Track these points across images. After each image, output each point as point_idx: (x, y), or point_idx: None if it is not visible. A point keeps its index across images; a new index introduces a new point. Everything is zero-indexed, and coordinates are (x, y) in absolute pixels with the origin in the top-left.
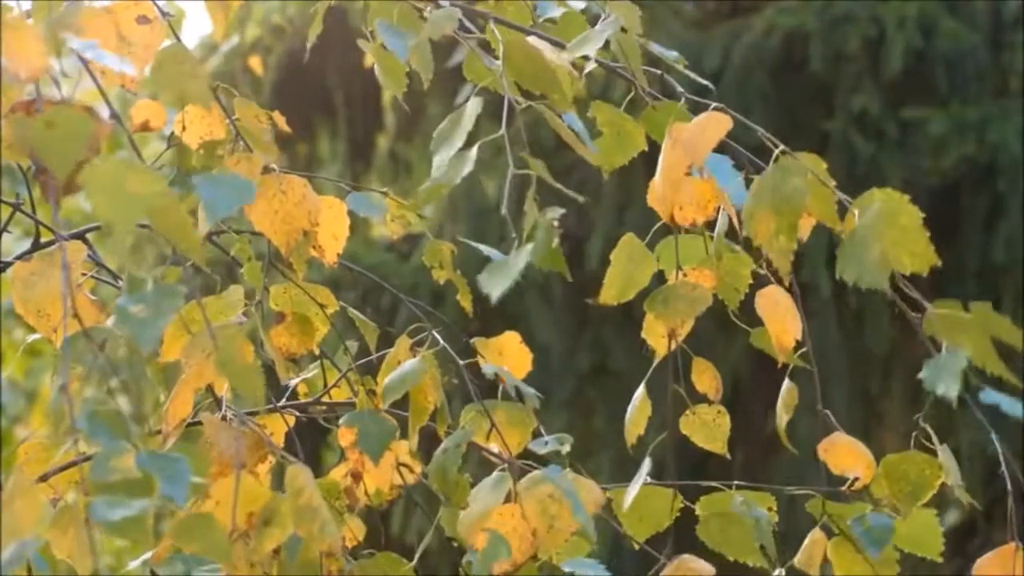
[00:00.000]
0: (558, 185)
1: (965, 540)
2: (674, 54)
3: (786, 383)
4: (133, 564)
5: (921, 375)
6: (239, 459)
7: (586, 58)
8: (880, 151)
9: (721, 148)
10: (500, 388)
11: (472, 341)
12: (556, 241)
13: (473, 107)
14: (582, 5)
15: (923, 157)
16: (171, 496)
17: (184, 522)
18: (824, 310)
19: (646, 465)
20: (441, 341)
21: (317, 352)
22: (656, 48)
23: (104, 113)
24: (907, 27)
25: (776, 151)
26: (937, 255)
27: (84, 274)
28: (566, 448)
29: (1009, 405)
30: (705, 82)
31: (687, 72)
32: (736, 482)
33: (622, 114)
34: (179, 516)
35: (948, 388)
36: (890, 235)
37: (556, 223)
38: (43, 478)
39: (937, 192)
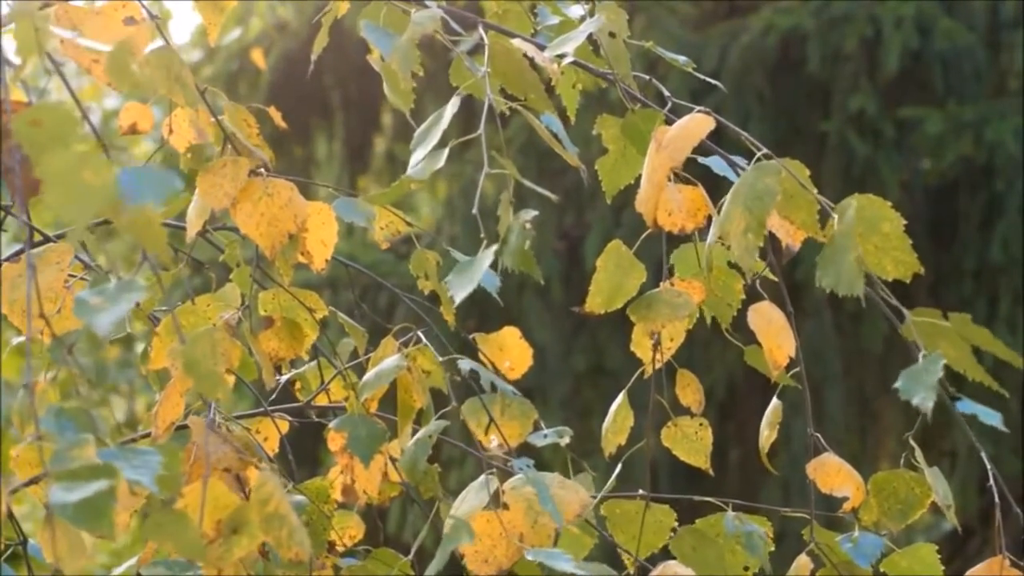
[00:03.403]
0: (529, 183)
1: (964, 541)
2: (683, 59)
3: (774, 401)
4: (119, 569)
5: (896, 385)
6: (208, 465)
7: (561, 57)
8: (877, 151)
9: (710, 154)
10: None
11: (472, 337)
12: (528, 243)
13: (451, 107)
14: (579, 12)
15: (920, 157)
16: (138, 481)
17: (156, 519)
18: (820, 311)
19: (614, 475)
20: (424, 340)
21: (307, 357)
22: (664, 53)
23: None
24: (904, 27)
25: (758, 153)
26: (934, 255)
27: (72, 275)
28: (565, 440)
29: (986, 415)
30: (714, 82)
31: (695, 74)
32: (733, 500)
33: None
34: (152, 514)
35: (924, 399)
36: (873, 241)
37: (529, 225)
38: (34, 480)
39: (934, 192)
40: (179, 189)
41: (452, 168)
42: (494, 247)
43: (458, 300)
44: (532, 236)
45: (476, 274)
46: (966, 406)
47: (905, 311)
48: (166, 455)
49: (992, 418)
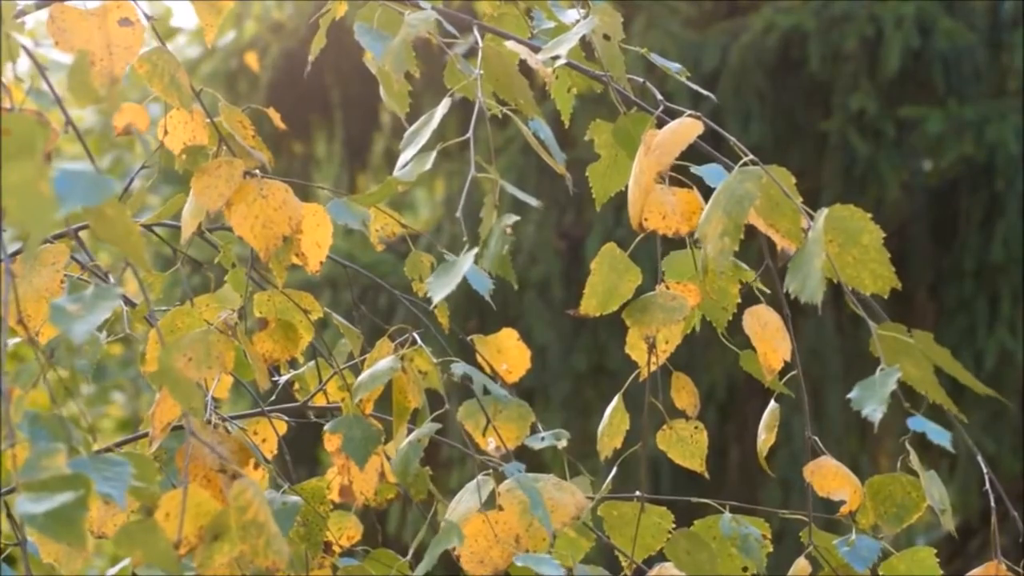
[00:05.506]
0: (511, 188)
1: (965, 541)
2: (676, 66)
3: (771, 404)
4: (113, 570)
5: (849, 396)
6: (186, 472)
7: (555, 59)
8: (878, 151)
9: (706, 158)
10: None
11: (471, 338)
12: (507, 248)
13: (442, 108)
14: (575, 17)
15: (921, 157)
16: (108, 495)
17: (127, 529)
18: (821, 311)
19: (611, 477)
20: (420, 341)
21: (302, 358)
22: (657, 59)
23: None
24: (905, 27)
25: (744, 159)
26: (934, 255)
27: (67, 275)
28: (562, 443)
29: (936, 434)
30: (706, 92)
31: (688, 83)
32: (731, 502)
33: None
34: (123, 523)
35: (873, 411)
36: (852, 254)
37: (509, 230)
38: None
39: (935, 192)
40: (115, 193)
41: (452, 168)
42: (474, 251)
43: (436, 300)
44: (512, 241)
45: (456, 275)
46: (917, 423)
47: (872, 324)
48: (140, 466)
49: (941, 437)
